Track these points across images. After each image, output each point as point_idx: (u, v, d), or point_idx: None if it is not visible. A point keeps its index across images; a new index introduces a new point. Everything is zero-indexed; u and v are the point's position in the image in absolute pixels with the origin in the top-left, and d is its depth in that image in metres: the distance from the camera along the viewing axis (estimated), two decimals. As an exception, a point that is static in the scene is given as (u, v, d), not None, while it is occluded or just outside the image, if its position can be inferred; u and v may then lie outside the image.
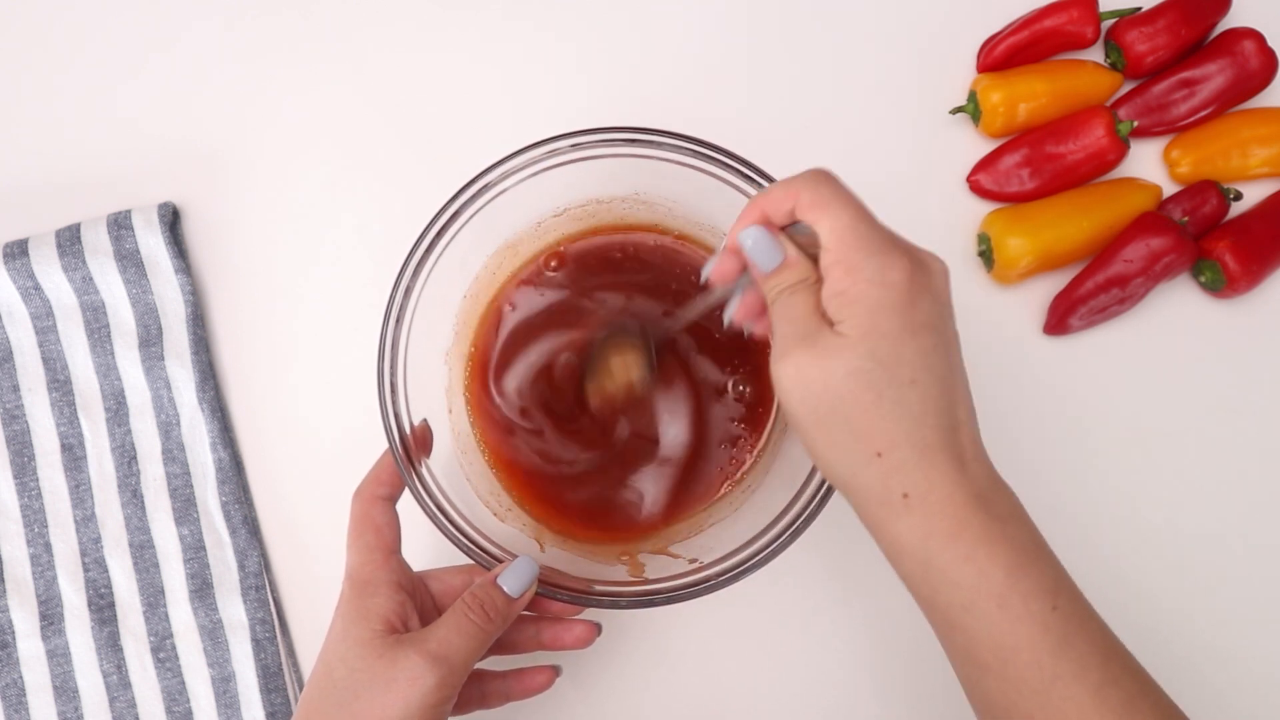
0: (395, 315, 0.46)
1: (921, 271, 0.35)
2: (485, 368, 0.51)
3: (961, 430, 0.36)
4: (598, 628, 0.47)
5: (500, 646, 0.47)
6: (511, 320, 0.52)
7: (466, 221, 0.47)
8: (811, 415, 0.35)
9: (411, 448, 0.45)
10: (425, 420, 0.46)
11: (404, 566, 0.44)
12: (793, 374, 0.35)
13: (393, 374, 0.46)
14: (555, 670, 0.47)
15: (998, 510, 0.35)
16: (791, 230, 0.38)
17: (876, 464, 0.35)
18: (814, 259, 0.37)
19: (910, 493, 0.35)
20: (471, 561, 0.45)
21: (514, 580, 0.43)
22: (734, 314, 0.41)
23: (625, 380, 0.48)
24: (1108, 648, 0.36)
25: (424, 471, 0.45)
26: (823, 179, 0.37)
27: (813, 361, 0.35)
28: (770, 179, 0.46)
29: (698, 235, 0.52)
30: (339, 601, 0.43)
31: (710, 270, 0.40)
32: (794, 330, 0.36)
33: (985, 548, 0.35)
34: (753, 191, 0.46)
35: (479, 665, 0.47)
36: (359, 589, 0.42)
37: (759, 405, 0.51)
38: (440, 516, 0.45)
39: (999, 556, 0.35)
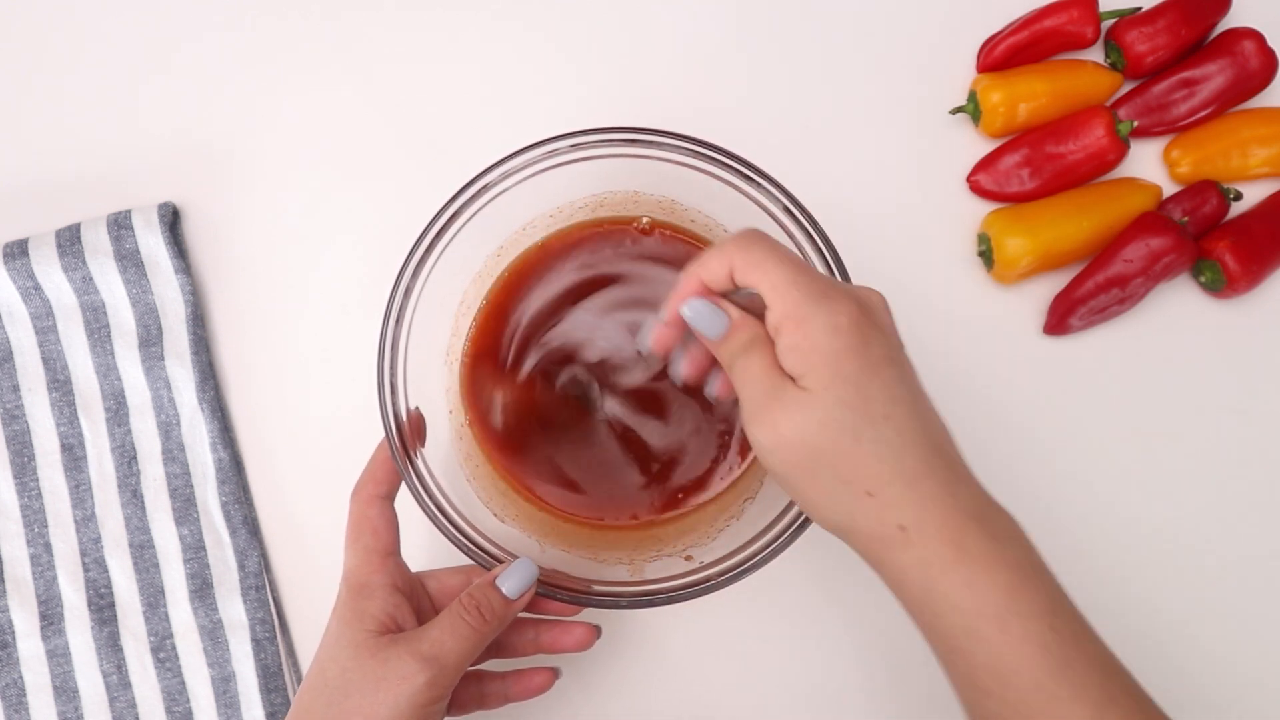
0: (395, 315, 0.46)
1: (867, 309, 0.36)
2: (485, 367, 0.51)
3: (944, 452, 0.36)
4: (597, 630, 0.47)
5: (499, 650, 0.47)
6: (511, 320, 0.52)
7: (466, 222, 0.47)
8: (796, 469, 0.36)
9: (407, 436, 0.45)
10: (418, 408, 0.46)
11: (402, 568, 0.44)
12: (768, 433, 0.36)
13: (393, 374, 0.46)
14: (554, 672, 0.47)
15: (994, 530, 0.36)
16: (733, 296, 0.39)
17: (868, 503, 0.35)
18: (760, 317, 0.38)
19: (906, 525, 0.35)
20: (469, 562, 0.45)
21: (513, 582, 0.43)
22: (682, 372, 0.42)
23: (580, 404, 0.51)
24: (1107, 667, 0.36)
25: (420, 464, 0.45)
26: (754, 241, 0.37)
27: (785, 418, 0.35)
28: (770, 179, 0.46)
29: (698, 235, 0.52)
30: (335, 604, 0.43)
31: (649, 341, 0.41)
32: (758, 391, 0.36)
33: (984, 570, 0.35)
34: (753, 192, 0.46)
35: (479, 666, 0.47)
36: (355, 591, 0.42)
37: None
38: (440, 517, 0.45)
39: (998, 578, 0.35)
